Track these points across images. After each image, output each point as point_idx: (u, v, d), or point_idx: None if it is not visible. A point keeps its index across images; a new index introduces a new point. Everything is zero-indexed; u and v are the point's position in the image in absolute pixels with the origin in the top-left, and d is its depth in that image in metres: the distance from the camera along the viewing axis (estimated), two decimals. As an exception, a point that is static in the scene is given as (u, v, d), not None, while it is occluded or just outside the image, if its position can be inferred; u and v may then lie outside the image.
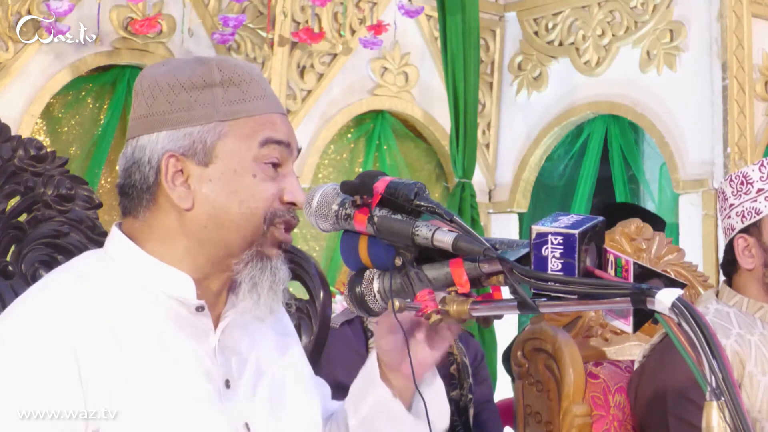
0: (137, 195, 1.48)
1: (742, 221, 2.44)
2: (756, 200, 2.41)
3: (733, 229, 2.46)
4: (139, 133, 1.48)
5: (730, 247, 2.49)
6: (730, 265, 2.50)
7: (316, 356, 2.18)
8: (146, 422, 1.39)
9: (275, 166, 1.48)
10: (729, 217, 2.47)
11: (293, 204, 1.48)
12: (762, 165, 2.43)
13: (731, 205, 2.45)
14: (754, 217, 2.42)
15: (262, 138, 1.46)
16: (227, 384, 1.49)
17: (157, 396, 1.41)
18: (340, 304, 4.13)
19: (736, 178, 2.45)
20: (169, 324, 1.46)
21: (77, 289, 1.43)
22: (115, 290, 1.45)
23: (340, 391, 2.92)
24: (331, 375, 2.89)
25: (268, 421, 1.53)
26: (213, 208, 1.45)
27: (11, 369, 1.37)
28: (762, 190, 2.41)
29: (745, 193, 2.42)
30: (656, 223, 3.68)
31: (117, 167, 1.53)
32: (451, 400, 3.15)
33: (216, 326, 1.50)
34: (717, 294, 2.51)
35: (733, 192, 2.45)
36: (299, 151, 1.54)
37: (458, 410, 3.16)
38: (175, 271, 1.47)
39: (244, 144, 1.46)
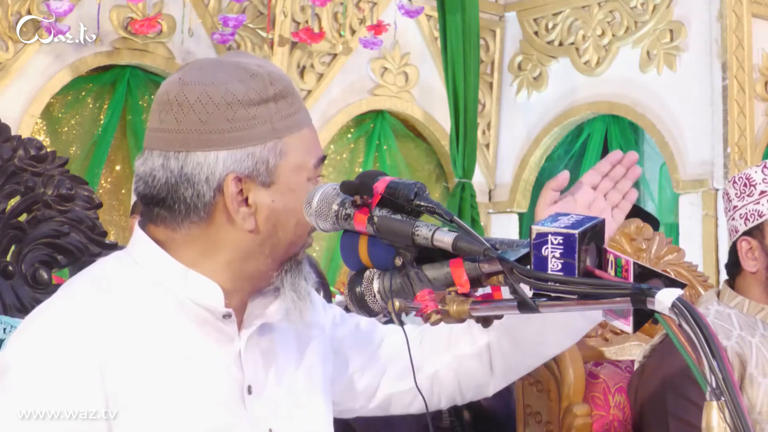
0: (185, 209, 1.45)
1: (745, 224, 2.42)
2: (759, 202, 2.40)
3: (736, 231, 2.45)
4: (190, 148, 1.43)
5: (734, 249, 2.48)
6: (733, 267, 2.49)
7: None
8: (169, 427, 1.40)
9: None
10: (733, 218, 2.46)
11: None
12: (765, 167, 2.41)
13: (735, 207, 2.44)
14: (757, 219, 2.41)
15: (315, 160, 1.49)
16: (249, 390, 1.49)
17: (180, 401, 1.41)
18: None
19: (739, 180, 2.44)
20: (194, 329, 1.46)
21: (103, 296, 1.43)
22: (140, 296, 1.45)
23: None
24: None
25: (292, 426, 1.53)
26: (273, 227, 1.46)
27: (38, 377, 1.37)
28: (765, 192, 2.39)
29: (749, 195, 2.41)
30: (651, 223, 3.67)
31: (136, 170, 1.49)
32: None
33: (240, 331, 1.50)
34: (718, 295, 2.51)
35: (736, 194, 2.44)
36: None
37: (457, 411, 3.16)
38: (203, 278, 1.46)
39: (301, 162, 1.47)
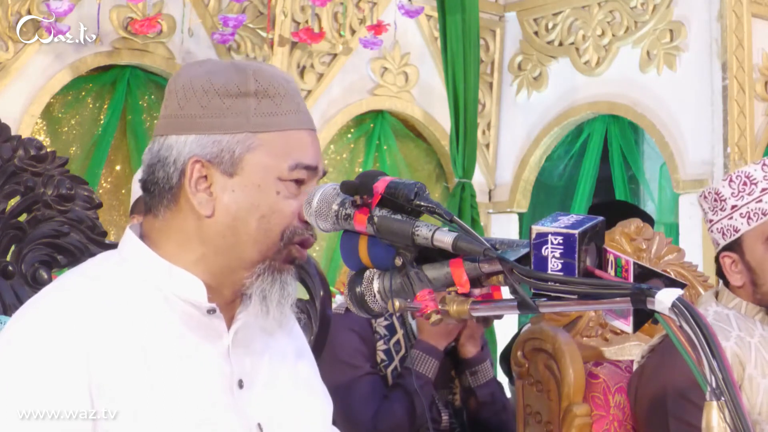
0: (159, 193, 1.49)
1: (723, 238, 2.39)
2: (732, 218, 2.35)
3: (717, 245, 2.43)
4: (168, 132, 1.48)
5: (719, 262, 2.46)
6: (722, 278, 2.47)
7: (316, 355, 2.18)
8: (159, 423, 1.40)
9: (299, 183, 1.49)
10: (711, 231, 2.43)
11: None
12: (731, 181, 2.35)
13: (710, 220, 2.40)
14: (734, 235, 2.37)
15: (292, 162, 1.47)
16: (240, 384, 1.49)
17: (169, 397, 1.41)
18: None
19: (709, 195, 2.40)
20: (181, 325, 1.46)
21: (90, 292, 1.44)
22: (128, 293, 1.46)
23: (342, 366, 2.94)
24: (335, 355, 2.91)
25: (281, 421, 1.53)
26: (233, 219, 1.46)
27: (22, 370, 1.37)
28: (736, 206, 2.35)
29: (721, 210, 2.37)
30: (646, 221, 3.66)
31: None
32: (449, 402, 3.15)
33: (229, 327, 1.51)
34: (716, 296, 2.50)
35: (710, 208, 2.40)
36: (325, 173, 1.55)
37: (456, 412, 3.16)
38: (186, 274, 1.47)
39: (272, 161, 1.46)
